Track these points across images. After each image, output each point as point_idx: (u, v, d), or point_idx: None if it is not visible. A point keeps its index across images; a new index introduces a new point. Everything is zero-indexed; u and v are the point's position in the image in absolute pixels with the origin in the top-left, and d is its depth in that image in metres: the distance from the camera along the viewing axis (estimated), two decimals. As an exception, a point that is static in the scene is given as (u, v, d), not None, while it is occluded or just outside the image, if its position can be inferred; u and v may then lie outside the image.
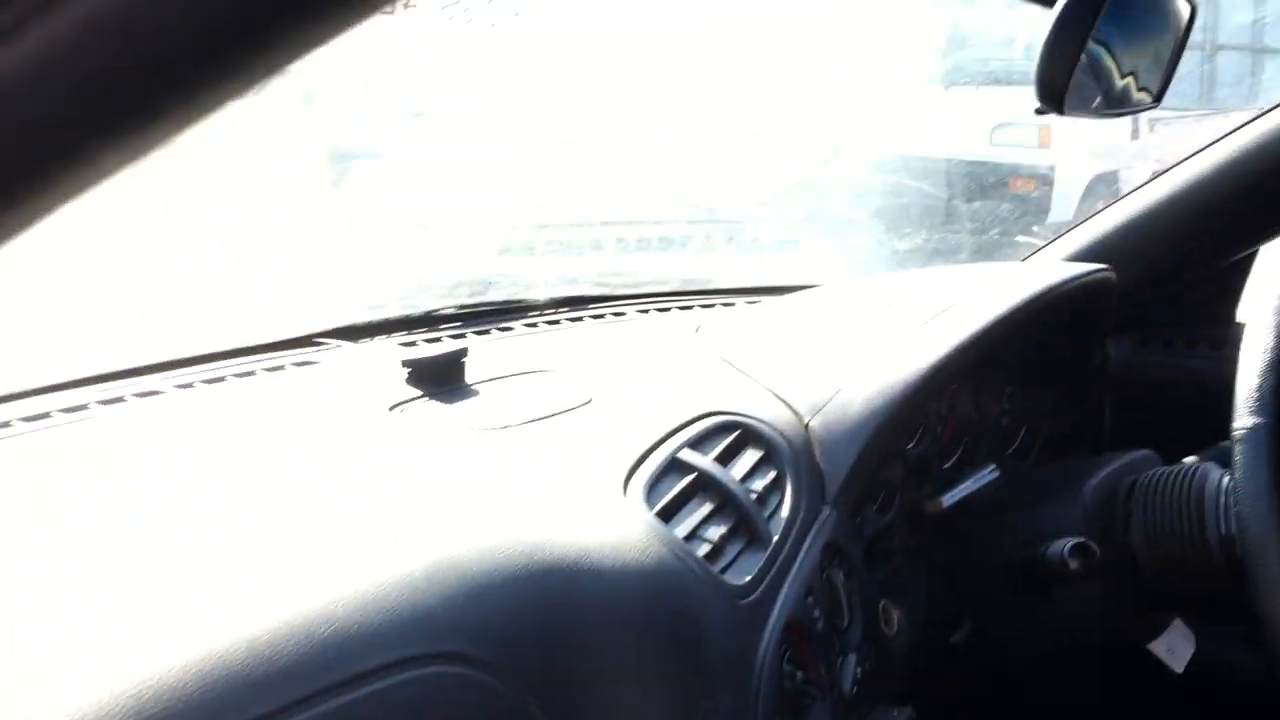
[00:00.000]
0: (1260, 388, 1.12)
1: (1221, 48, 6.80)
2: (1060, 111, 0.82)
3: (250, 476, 0.96)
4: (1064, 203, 5.85)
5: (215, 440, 1.04)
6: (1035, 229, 5.64)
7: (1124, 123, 5.17)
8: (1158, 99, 0.96)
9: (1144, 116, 5.73)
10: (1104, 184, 5.85)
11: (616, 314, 1.54)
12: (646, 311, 1.56)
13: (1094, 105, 0.87)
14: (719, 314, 1.55)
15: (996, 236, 5.10)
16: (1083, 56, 0.79)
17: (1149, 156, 5.63)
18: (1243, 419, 1.11)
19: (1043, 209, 5.87)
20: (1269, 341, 1.14)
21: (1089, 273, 1.52)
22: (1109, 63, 0.86)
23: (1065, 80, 0.79)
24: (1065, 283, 1.48)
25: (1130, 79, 0.91)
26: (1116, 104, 0.91)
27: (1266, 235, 1.64)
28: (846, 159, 5.38)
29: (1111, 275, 1.56)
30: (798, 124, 5.03)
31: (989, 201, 5.62)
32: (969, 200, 5.56)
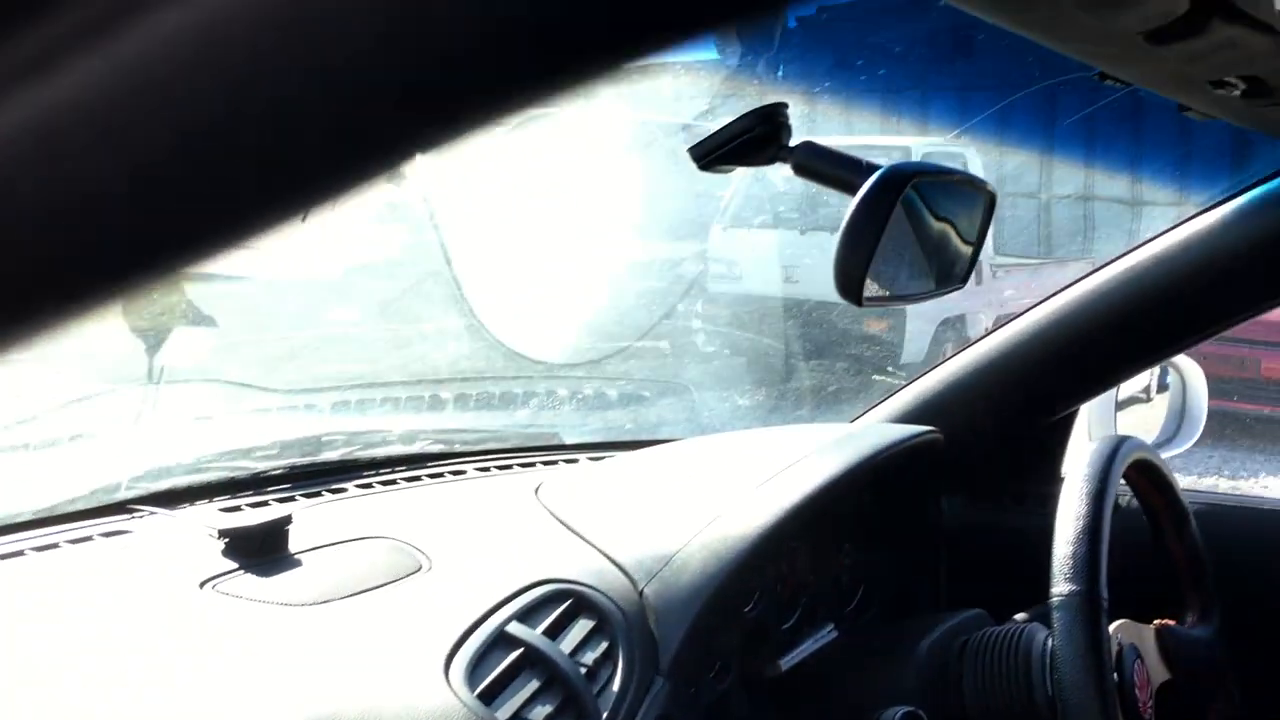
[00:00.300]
0: (1074, 555, 1.16)
1: (1056, 198, 7.27)
2: (859, 303, 0.84)
3: (43, 662, 0.90)
4: (916, 344, 6.11)
5: (6, 623, 0.97)
6: (889, 368, 5.87)
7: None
8: (962, 281, 1.00)
9: (987, 263, 6.09)
10: (952, 326, 6.16)
11: (456, 473, 1.51)
12: (487, 470, 1.54)
13: (892, 294, 0.91)
14: (560, 473, 1.53)
15: (844, 382, 5.27)
16: (881, 246, 0.83)
17: (993, 301, 5.97)
18: (1059, 585, 1.15)
19: (896, 349, 6.12)
20: (1081, 508, 1.18)
21: (916, 435, 1.56)
22: (908, 251, 0.90)
23: (862, 271, 0.82)
24: (893, 445, 1.51)
25: (930, 269, 0.95)
26: (917, 291, 0.95)
27: (1087, 394, 1.71)
28: (701, 308, 5.53)
29: (939, 437, 1.60)
30: (654, 273, 5.14)
31: (842, 344, 5.82)
32: (824, 344, 5.75)
